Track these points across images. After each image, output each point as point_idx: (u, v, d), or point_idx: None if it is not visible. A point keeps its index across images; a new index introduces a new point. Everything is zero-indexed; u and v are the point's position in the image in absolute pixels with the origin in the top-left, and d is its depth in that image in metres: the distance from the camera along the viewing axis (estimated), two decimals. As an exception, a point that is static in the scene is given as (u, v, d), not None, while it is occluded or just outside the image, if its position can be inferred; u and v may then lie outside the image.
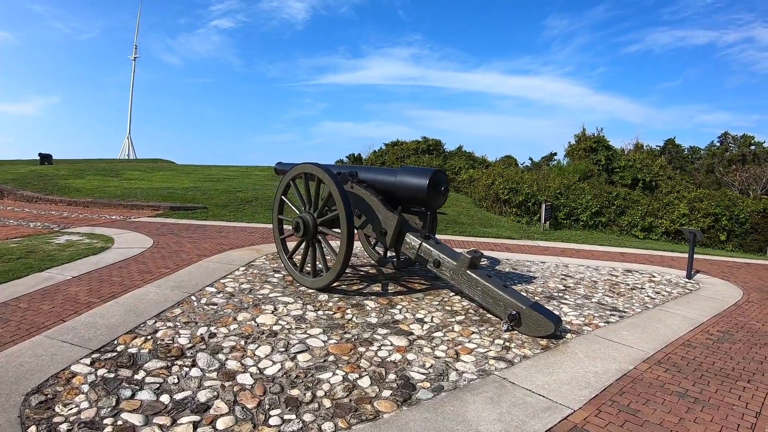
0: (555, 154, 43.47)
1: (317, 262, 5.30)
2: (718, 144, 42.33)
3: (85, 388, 2.95)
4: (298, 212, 5.46)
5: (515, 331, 4.37)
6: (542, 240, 11.68)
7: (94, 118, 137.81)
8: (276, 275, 5.74)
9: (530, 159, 41.91)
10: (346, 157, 34.03)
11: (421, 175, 5.15)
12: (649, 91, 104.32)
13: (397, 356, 3.70)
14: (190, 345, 3.61)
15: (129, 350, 3.47)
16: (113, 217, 10.50)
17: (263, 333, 3.94)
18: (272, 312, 4.44)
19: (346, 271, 5.80)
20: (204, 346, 3.61)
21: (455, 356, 3.79)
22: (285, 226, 5.86)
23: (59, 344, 3.49)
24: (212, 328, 3.95)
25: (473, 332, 4.34)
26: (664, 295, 6.41)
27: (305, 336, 3.94)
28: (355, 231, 5.15)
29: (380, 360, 3.61)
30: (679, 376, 3.63)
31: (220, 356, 3.46)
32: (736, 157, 33.00)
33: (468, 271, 4.67)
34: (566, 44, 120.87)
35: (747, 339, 4.74)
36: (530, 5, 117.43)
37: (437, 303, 5.16)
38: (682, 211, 14.32)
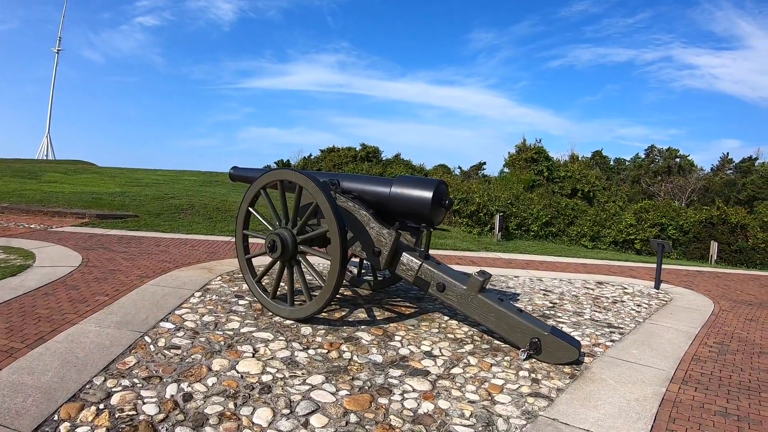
0: (484, 163, 44.61)
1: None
2: (643, 156, 44.89)
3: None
4: (270, 227, 4.64)
5: (533, 359, 3.91)
6: (500, 251, 11.51)
7: (10, 114, 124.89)
8: (241, 302, 4.86)
9: (459, 168, 42.47)
10: (275, 163, 33.30)
11: (423, 186, 4.52)
12: (571, 105, 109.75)
13: (428, 406, 3.03)
14: (162, 416, 2.67)
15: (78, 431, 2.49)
16: (32, 226, 9.21)
17: (253, 388, 3.08)
18: (253, 355, 3.60)
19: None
20: (182, 417, 2.68)
21: (489, 398, 3.23)
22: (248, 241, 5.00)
23: (-31, 425, 2.46)
24: (184, 385, 3.03)
25: (492, 364, 3.82)
26: (646, 308, 6.33)
27: (307, 388, 3.15)
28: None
29: (412, 414, 2.92)
30: (710, 395, 3.50)
31: (208, 430, 2.58)
32: (662, 168, 35.31)
33: (479, 296, 4.11)
34: (491, 57, 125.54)
35: (743, 349, 4.77)
36: (457, 18, 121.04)
37: (437, 330, 4.57)
38: (629, 221, 14.76)
